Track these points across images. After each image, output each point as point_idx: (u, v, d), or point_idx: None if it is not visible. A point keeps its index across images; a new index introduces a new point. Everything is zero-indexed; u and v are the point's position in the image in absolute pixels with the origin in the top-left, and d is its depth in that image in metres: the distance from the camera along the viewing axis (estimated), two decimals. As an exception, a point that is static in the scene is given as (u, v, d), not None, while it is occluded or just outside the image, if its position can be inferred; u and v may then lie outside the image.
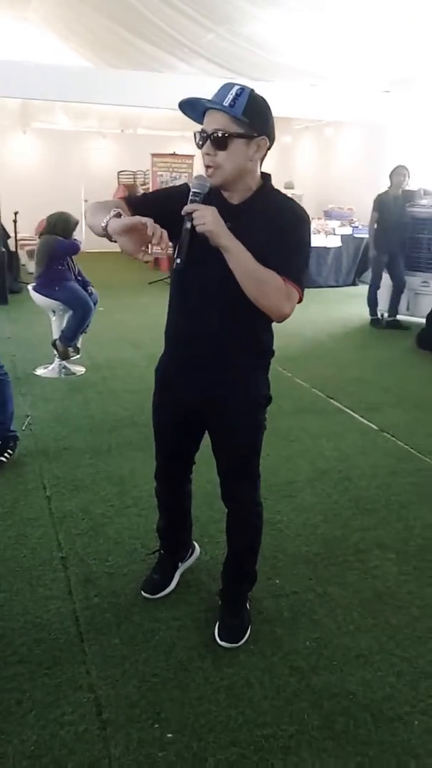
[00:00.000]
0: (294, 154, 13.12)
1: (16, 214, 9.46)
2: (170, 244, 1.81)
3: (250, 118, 1.76)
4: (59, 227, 5.15)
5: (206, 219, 1.71)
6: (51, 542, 2.83)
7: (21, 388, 4.74)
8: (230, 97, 1.74)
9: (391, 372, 5.73)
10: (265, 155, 1.86)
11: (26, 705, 1.96)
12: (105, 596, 2.47)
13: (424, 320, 6.88)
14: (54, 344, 5.19)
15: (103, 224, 1.75)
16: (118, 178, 13.06)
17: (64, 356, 5.18)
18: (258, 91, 1.81)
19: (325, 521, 3.09)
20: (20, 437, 3.70)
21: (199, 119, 1.82)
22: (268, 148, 1.85)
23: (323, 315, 7.91)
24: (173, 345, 2.14)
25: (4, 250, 8.47)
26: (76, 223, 5.23)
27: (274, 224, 1.83)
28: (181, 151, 11.06)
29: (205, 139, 1.79)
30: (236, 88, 1.75)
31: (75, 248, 5.17)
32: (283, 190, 2.25)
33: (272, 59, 8.67)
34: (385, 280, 7.51)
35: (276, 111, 1.86)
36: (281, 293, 1.80)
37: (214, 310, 1.94)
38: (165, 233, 1.68)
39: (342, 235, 10.00)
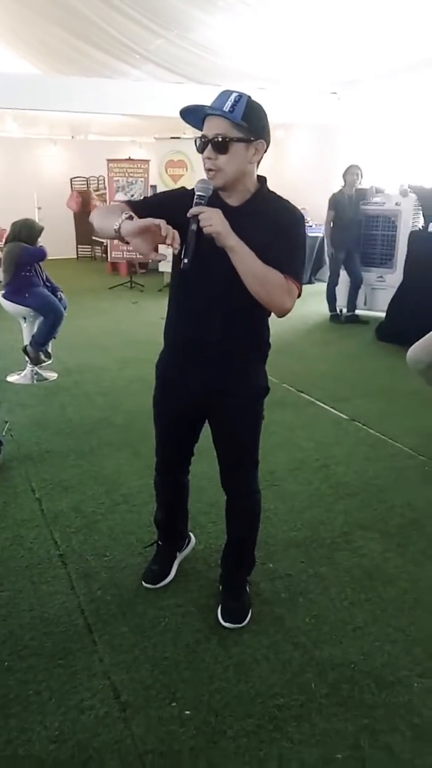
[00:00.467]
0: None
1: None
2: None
3: (248, 122, 1.85)
4: (23, 234, 5.14)
5: (213, 221, 1.80)
6: (47, 541, 2.87)
7: (-5, 396, 4.75)
8: (229, 103, 1.82)
9: (356, 364, 5.92)
10: (261, 158, 1.95)
11: (45, 694, 2.02)
12: (107, 589, 2.54)
13: (381, 314, 7.11)
14: (25, 350, 5.19)
15: (115, 227, 1.81)
16: (71, 184, 12.98)
17: (36, 362, 5.18)
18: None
19: (310, 507, 3.22)
20: (3, 442, 3.72)
21: (198, 125, 1.91)
22: (265, 151, 1.94)
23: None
24: (175, 345, 2.20)
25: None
26: (41, 229, 5.25)
27: (273, 224, 1.93)
28: (135, 156, 11.08)
29: (206, 143, 1.87)
30: (234, 94, 1.83)
31: (41, 254, 5.19)
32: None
33: (221, 63, 8.76)
34: (343, 276, 7.70)
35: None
36: (283, 290, 1.91)
37: (219, 315, 2.02)
38: (177, 234, 1.75)
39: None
